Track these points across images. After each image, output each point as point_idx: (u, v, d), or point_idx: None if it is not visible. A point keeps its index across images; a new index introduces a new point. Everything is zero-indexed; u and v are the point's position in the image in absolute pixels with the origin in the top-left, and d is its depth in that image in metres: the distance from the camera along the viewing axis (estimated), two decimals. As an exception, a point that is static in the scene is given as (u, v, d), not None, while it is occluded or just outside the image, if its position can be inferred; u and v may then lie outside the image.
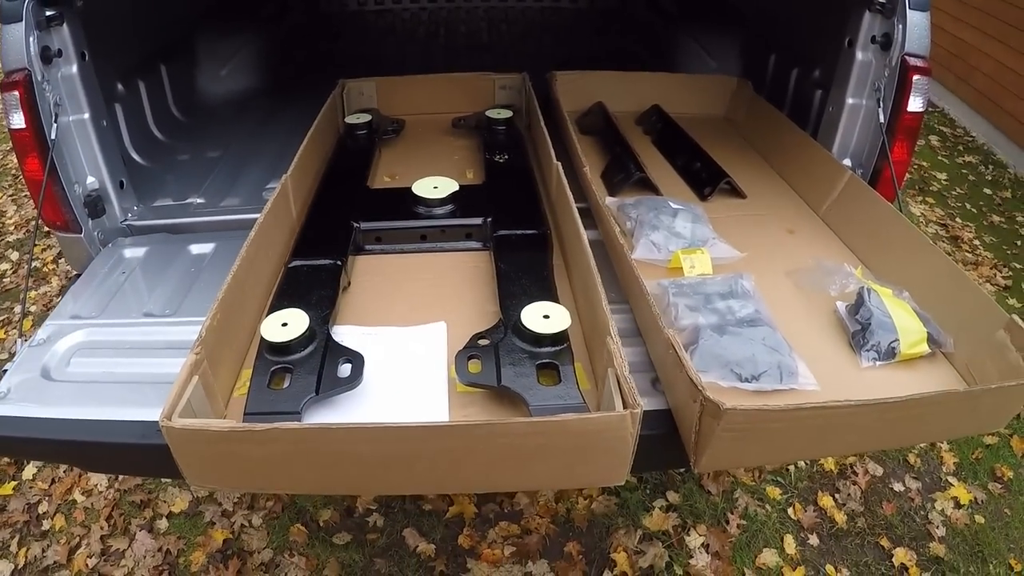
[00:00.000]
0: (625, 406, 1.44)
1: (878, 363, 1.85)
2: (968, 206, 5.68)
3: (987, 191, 5.92)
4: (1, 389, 1.92)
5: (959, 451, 3.41)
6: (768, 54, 3.41)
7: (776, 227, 2.48)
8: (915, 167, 6.24)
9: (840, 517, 3.08)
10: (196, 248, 2.56)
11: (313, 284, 2.06)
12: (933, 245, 2.04)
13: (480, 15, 5.39)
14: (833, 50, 2.66)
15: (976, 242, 5.17)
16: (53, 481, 3.32)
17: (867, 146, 2.59)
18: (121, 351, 2.08)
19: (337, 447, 1.48)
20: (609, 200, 2.53)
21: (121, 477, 3.27)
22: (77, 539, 3.06)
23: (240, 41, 4.19)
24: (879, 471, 3.29)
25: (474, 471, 1.55)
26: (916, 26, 2.36)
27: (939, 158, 6.46)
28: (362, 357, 1.77)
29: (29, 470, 3.37)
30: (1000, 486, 3.27)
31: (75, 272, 2.66)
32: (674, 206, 2.38)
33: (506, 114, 3.16)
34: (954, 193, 5.88)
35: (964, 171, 6.26)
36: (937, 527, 3.06)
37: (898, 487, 3.22)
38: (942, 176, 6.12)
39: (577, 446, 1.47)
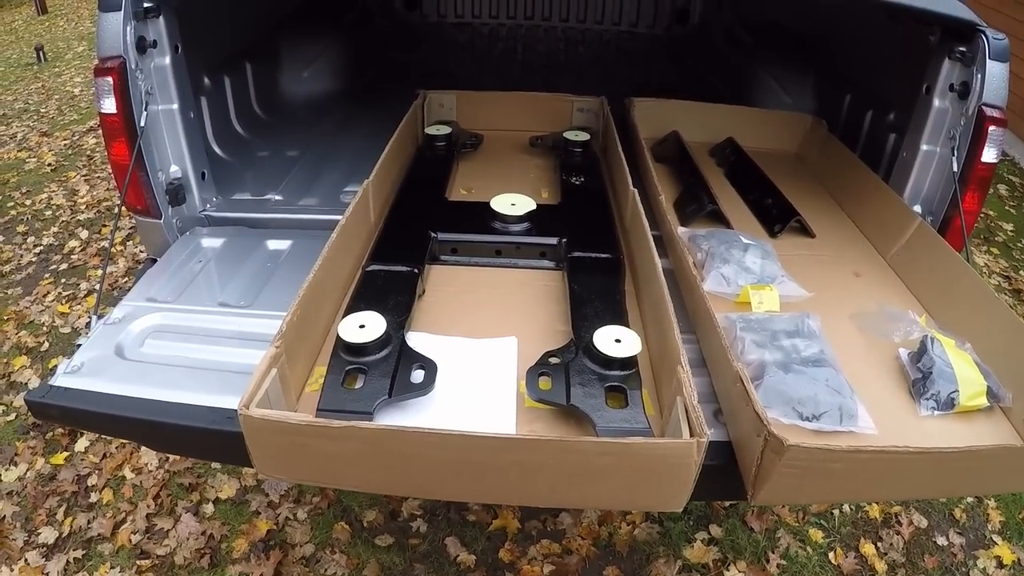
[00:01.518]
0: (692, 434, 1.47)
1: (936, 412, 1.85)
2: (1033, 259, 5.60)
3: (1053, 244, 5.82)
4: (75, 362, 1.99)
5: (1006, 509, 3.36)
6: (843, 94, 3.41)
7: (843, 269, 2.48)
8: (981, 216, 6.15)
9: (880, 566, 3.04)
10: (272, 244, 2.63)
11: (390, 289, 2.12)
12: (998, 298, 2.03)
13: (558, 35, 5.45)
14: (910, 95, 2.65)
15: (1039, 296, 5.10)
16: (105, 456, 3.42)
17: (938, 194, 2.58)
18: (195, 337, 2.14)
19: (410, 450, 1.53)
20: (681, 230, 2.55)
21: (172, 458, 3.36)
22: (123, 514, 3.15)
23: (322, 44, 4.30)
24: (924, 523, 3.25)
25: (541, 485, 1.58)
26: (995, 76, 2.35)
27: (1006, 208, 6.36)
28: (435, 364, 1.82)
29: (82, 443, 3.48)
30: (1047, 547, 3.21)
31: (148, 255, 2.75)
32: (745, 241, 2.40)
33: (583, 136, 3.20)
34: (1020, 244, 5.78)
35: (1031, 222, 6.17)
36: (978, 585, 3.01)
37: (942, 541, 3.18)
38: (1008, 226, 6.03)
39: (642, 469, 1.50)
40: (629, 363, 1.82)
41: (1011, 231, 5.97)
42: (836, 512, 3.25)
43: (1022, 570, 3.10)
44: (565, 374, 1.80)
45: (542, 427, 1.74)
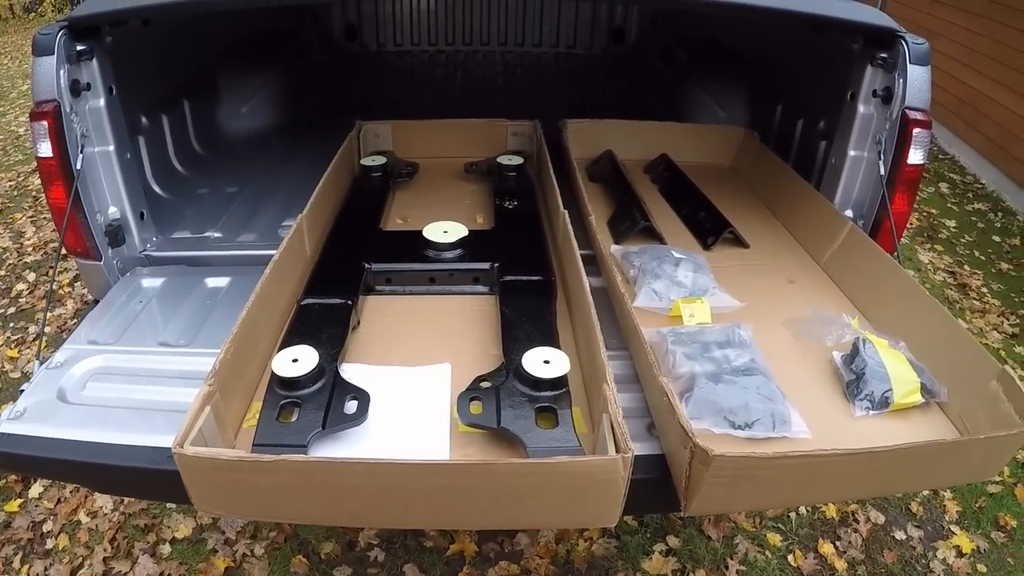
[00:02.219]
0: (617, 450, 1.49)
1: (871, 412, 1.89)
2: (977, 253, 5.70)
3: (996, 238, 5.94)
4: (18, 408, 1.98)
5: (962, 499, 3.41)
6: (775, 105, 3.48)
7: (777, 277, 2.53)
8: (924, 214, 6.27)
9: (840, 565, 3.08)
10: (212, 281, 2.63)
11: (324, 322, 2.13)
12: (930, 296, 2.08)
13: (497, 59, 5.50)
14: (836, 103, 2.71)
15: (984, 289, 5.19)
16: (59, 501, 3.37)
17: (868, 197, 2.63)
18: (136, 378, 2.14)
19: (340, 480, 1.54)
20: (614, 248, 2.59)
21: (127, 500, 3.32)
22: (80, 559, 3.10)
23: (262, 79, 4.30)
24: (881, 519, 3.29)
25: (471, 508, 1.60)
26: (916, 80, 2.40)
27: (948, 205, 6.49)
28: (368, 395, 1.84)
29: (35, 488, 3.42)
30: (1003, 535, 3.26)
31: (92, 297, 2.73)
32: (676, 255, 2.44)
33: (517, 160, 3.23)
34: (963, 240, 5.90)
35: (973, 218, 6.28)
36: (939, 576, 3.06)
37: (900, 535, 3.22)
38: (951, 223, 6.15)
39: (570, 487, 1.52)
40: (558, 383, 1.84)
41: (954, 227, 6.10)
42: (793, 515, 3.28)
43: (982, 557, 3.15)
44: (496, 397, 1.82)
45: (475, 451, 1.76)
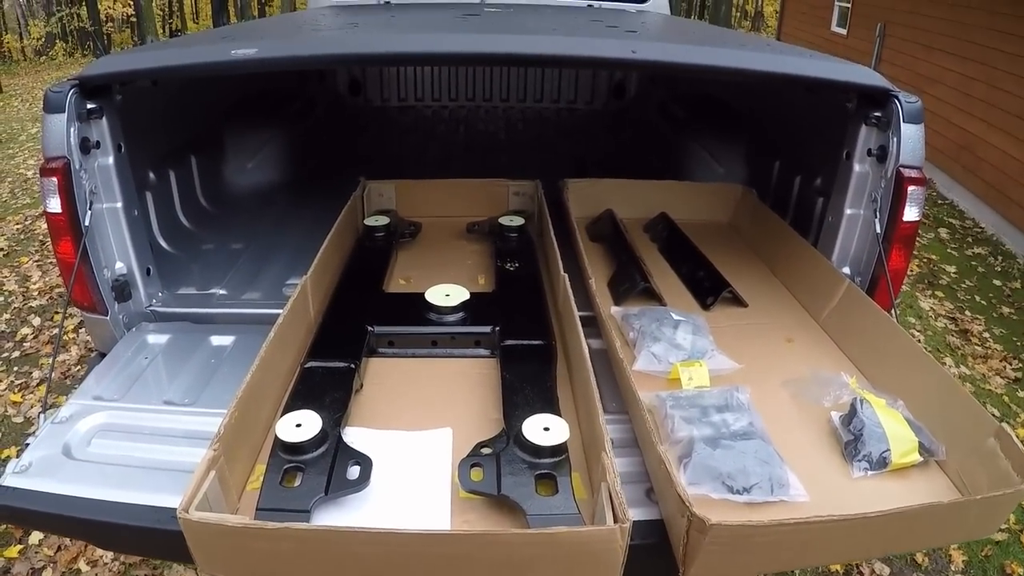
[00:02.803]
0: (615, 520, 1.51)
1: (870, 473, 1.90)
2: (978, 298, 5.73)
3: (996, 282, 5.97)
4: (23, 462, 2.01)
5: (968, 549, 3.41)
6: (772, 161, 3.54)
7: (775, 336, 2.56)
8: (924, 260, 6.31)
9: (844, 618, 3.08)
10: (216, 340, 2.65)
11: (327, 385, 2.16)
12: (927, 354, 2.11)
13: (499, 114, 5.59)
14: (832, 161, 2.75)
15: (986, 335, 5.21)
16: (59, 548, 3.38)
17: (865, 254, 2.66)
18: (140, 436, 2.16)
19: (342, 549, 1.57)
20: (614, 309, 2.62)
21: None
22: (79, 609, 3.09)
23: (268, 135, 4.36)
24: (886, 571, 3.29)
25: (472, 577, 1.62)
26: (910, 138, 2.44)
27: (948, 251, 6.53)
28: (370, 460, 1.86)
29: (36, 535, 3.43)
30: (1009, 585, 3.26)
31: (96, 349, 2.76)
32: (676, 317, 2.47)
33: (518, 221, 3.27)
34: (963, 286, 5.93)
35: (973, 263, 6.32)
36: (944, 629, 3.05)
37: (904, 588, 3.23)
38: (951, 269, 6.19)
39: (568, 557, 1.54)
40: (558, 450, 1.86)
41: (954, 273, 6.13)
42: (797, 571, 3.28)
43: (987, 608, 3.14)
44: (496, 464, 1.84)
45: (476, 517, 1.77)
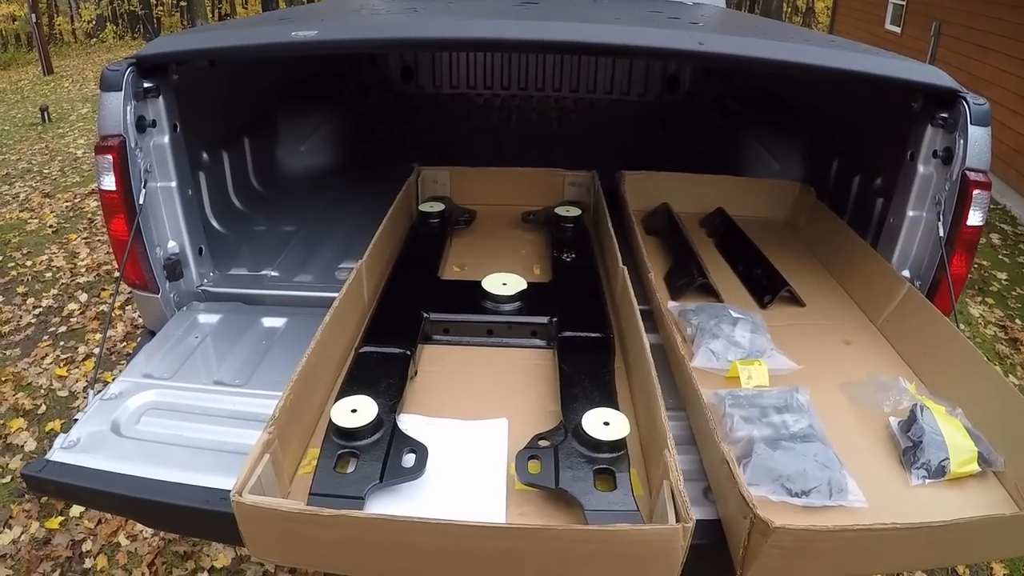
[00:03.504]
0: (678, 519, 1.49)
1: (928, 481, 1.86)
2: (1028, 307, 5.62)
3: (1048, 291, 5.85)
4: (72, 437, 2.02)
5: (1010, 562, 3.35)
6: (831, 160, 3.47)
7: (833, 337, 2.51)
8: (975, 266, 6.19)
9: (885, 628, 3.03)
10: (268, 321, 2.66)
11: (382, 371, 2.15)
12: (987, 363, 2.06)
13: (551, 105, 5.56)
14: (895, 161, 2.69)
15: (1035, 345, 5.11)
16: (100, 521, 3.43)
17: (926, 258, 2.60)
18: (190, 415, 2.17)
19: (398, 538, 1.55)
20: (671, 304, 2.59)
21: (173, 533, 3.37)
22: (117, 581, 3.14)
23: (320, 118, 4.37)
24: (925, 580, 3.24)
25: (528, 571, 1.60)
26: (977, 141, 2.38)
27: (999, 257, 6.41)
28: (426, 448, 1.84)
29: (77, 508, 3.48)
30: (1051, 600, 3.20)
31: (146, 326, 2.78)
32: (734, 315, 2.43)
33: (575, 212, 3.24)
34: (1014, 293, 5.81)
35: (1025, 270, 6.20)
36: (986, 644, 3.00)
37: (946, 600, 3.17)
38: (1002, 275, 6.06)
39: (629, 555, 1.52)
40: (617, 446, 1.84)
41: (1005, 280, 6.01)
42: None
43: (1028, 624, 3.08)
44: (554, 457, 1.82)
45: (532, 510, 1.76)
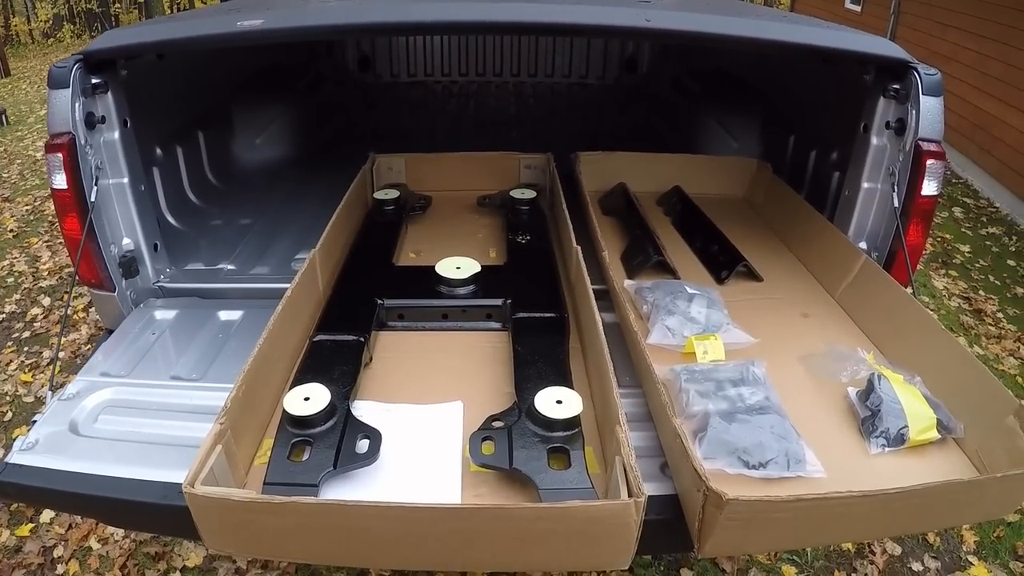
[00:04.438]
0: (630, 494, 1.48)
1: (887, 449, 1.87)
2: (991, 278, 5.67)
3: (1011, 262, 5.91)
4: (30, 439, 2.00)
5: (979, 530, 3.37)
6: (787, 135, 3.48)
7: (791, 311, 2.52)
8: (938, 239, 6.25)
9: (856, 598, 3.05)
10: (225, 315, 2.64)
11: (336, 359, 2.13)
12: (945, 331, 2.07)
13: (509, 90, 5.54)
14: (849, 134, 2.70)
15: (999, 315, 5.15)
16: (70, 526, 3.38)
17: (882, 229, 2.62)
18: (147, 412, 2.15)
19: (351, 523, 1.55)
20: (627, 283, 2.58)
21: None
22: (90, 586, 3.09)
23: (276, 111, 4.34)
24: (897, 550, 3.25)
25: (482, 552, 1.59)
26: (929, 111, 2.39)
27: (962, 230, 6.47)
28: (380, 434, 1.83)
29: (47, 514, 3.43)
30: (1022, 565, 3.22)
31: (104, 326, 2.75)
32: (690, 291, 2.43)
33: (530, 194, 3.24)
34: (977, 265, 5.87)
35: (988, 242, 6.26)
36: (956, 609, 3.02)
37: (917, 567, 3.19)
38: (965, 248, 6.12)
39: (582, 531, 1.51)
40: (571, 424, 1.83)
41: (968, 252, 6.07)
42: (808, 548, 3.25)
43: (1000, 589, 3.10)
44: (508, 438, 1.81)
45: (487, 491, 1.75)
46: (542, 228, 3.06)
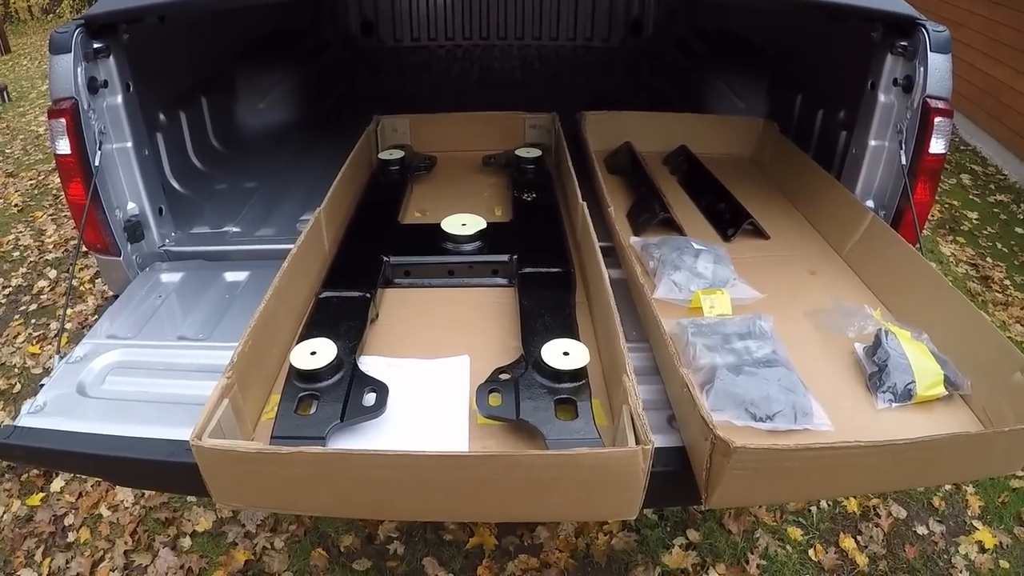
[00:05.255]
0: (638, 442, 1.48)
1: (894, 405, 1.86)
2: (999, 245, 5.64)
3: (1019, 230, 5.87)
4: (38, 402, 2.00)
5: (984, 494, 3.38)
6: (794, 95, 3.45)
7: (798, 268, 2.51)
8: (946, 206, 6.21)
9: (862, 560, 3.05)
10: (231, 276, 2.64)
11: (342, 315, 2.13)
12: (952, 287, 2.05)
13: (514, 53, 5.50)
14: (856, 92, 2.68)
15: (1007, 282, 5.13)
16: (80, 495, 3.40)
17: (890, 187, 2.60)
18: (155, 372, 2.15)
19: (358, 472, 1.54)
20: (633, 239, 2.58)
21: (147, 494, 3.35)
22: (101, 552, 3.13)
23: (279, 75, 4.32)
24: (903, 513, 3.26)
25: (490, 501, 1.59)
26: (937, 69, 2.37)
27: (970, 197, 6.42)
28: (387, 387, 1.83)
29: (57, 483, 3.46)
30: (1026, 531, 3.23)
31: (112, 293, 2.75)
32: (696, 246, 2.42)
33: (535, 153, 3.23)
34: (985, 232, 5.83)
35: (996, 210, 6.21)
36: (961, 572, 3.02)
37: (922, 530, 3.20)
38: (973, 215, 6.08)
39: (590, 479, 1.51)
40: (578, 375, 1.84)
41: (976, 219, 6.03)
42: (814, 509, 3.26)
43: (1004, 553, 3.11)
44: (515, 389, 1.81)
45: (495, 443, 1.75)
46: (548, 186, 3.05)
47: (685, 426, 1.73)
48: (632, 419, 1.54)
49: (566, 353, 1.86)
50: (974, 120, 7.60)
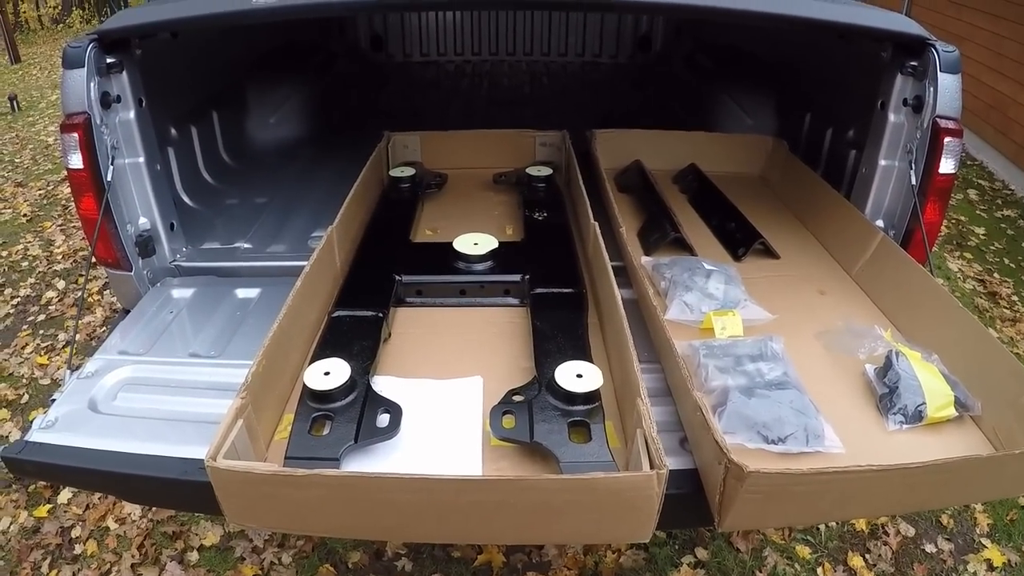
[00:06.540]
0: (652, 467, 1.49)
1: (905, 426, 1.87)
2: (1007, 261, 5.63)
3: (1026, 245, 5.87)
4: (49, 418, 2.01)
5: (993, 512, 3.37)
6: (803, 113, 3.46)
7: (808, 288, 2.51)
8: (953, 221, 6.20)
9: (870, 577, 3.04)
10: (242, 292, 2.65)
11: (355, 334, 2.14)
12: (963, 308, 2.06)
13: (523, 69, 5.53)
14: (866, 112, 2.69)
15: (1015, 298, 5.12)
16: (87, 507, 3.40)
17: (899, 207, 2.60)
18: (166, 389, 2.15)
19: (373, 495, 1.55)
20: (645, 259, 2.58)
21: (155, 508, 3.34)
22: (108, 565, 3.12)
23: (289, 89, 4.34)
24: (911, 532, 3.25)
25: (504, 524, 1.60)
26: (947, 89, 2.38)
27: (977, 212, 6.42)
28: (400, 408, 1.84)
29: (64, 494, 3.45)
30: (1035, 548, 3.22)
31: (122, 306, 2.76)
32: (707, 267, 2.43)
33: (546, 171, 3.24)
34: (992, 248, 5.83)
35: (1003, 225, 6.21)
36: (969, 590, 3.02)
37: (930, 548, 3.18)
38: (980, 230, 6.08)
39: (604, 504, 1.51)
40: (591, 397, 1.84)
41: (983, 235, 6.02)
42: (822, 528, 3.25)
43: (1013, 571, 3.10)
44: (528, 411, 1.81)
45: (508, 465, 1.75)
46: (559, 205, 3.05)
47: (698, 449, 1.73)
48: (647, 443, 1.54)
49: (579, 375, 1.87)
50: (980, 135, 7.60)
